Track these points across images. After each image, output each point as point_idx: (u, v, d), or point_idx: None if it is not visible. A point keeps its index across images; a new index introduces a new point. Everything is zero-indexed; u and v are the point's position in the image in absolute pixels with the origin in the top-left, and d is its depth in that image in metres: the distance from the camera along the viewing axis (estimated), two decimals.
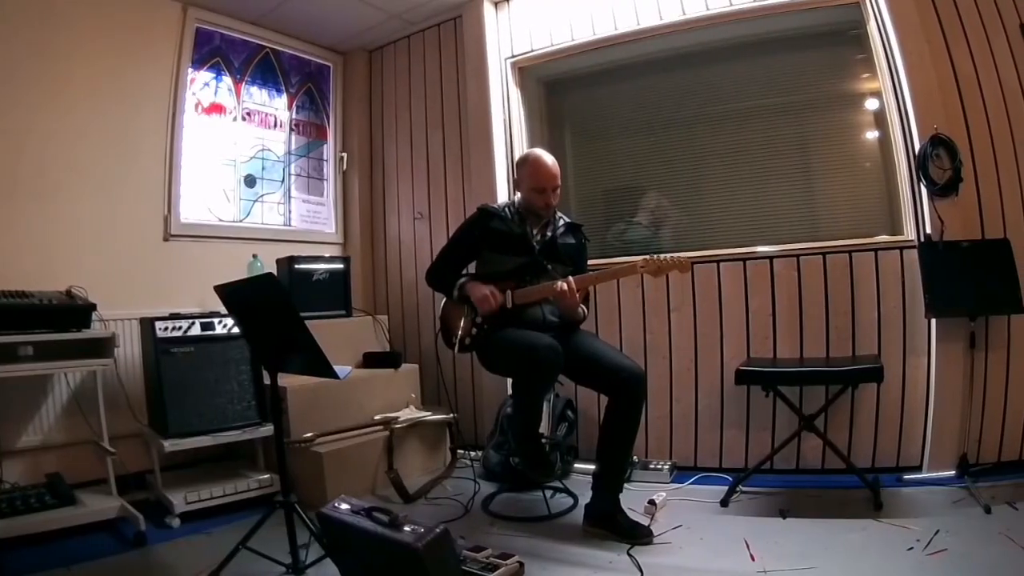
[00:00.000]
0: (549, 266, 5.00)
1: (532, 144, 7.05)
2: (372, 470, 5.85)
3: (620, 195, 7.02)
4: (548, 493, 5.45)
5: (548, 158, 5.08)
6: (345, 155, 8.26)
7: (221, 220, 7.06)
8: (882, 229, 5.77)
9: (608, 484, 4.73)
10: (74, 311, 5.07)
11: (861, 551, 4.12)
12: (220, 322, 5.66)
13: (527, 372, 4.57)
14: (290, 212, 7.80)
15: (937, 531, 4.25)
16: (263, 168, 7.51)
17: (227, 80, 7.18)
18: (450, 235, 5.53)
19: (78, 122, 5.87)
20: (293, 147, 7.86)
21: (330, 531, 3.72)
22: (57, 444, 5.44)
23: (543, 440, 5.09)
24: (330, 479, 5.41)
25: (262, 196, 7.50)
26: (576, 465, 6.16)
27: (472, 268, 5.31)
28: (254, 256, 6.67)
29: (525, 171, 5.09)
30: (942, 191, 5.28)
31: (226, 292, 4.16)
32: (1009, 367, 5.32)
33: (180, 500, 5.11)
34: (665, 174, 6.70)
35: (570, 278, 4.75)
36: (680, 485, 5.67)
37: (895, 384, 5.51)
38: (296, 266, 6.60)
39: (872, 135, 6.00)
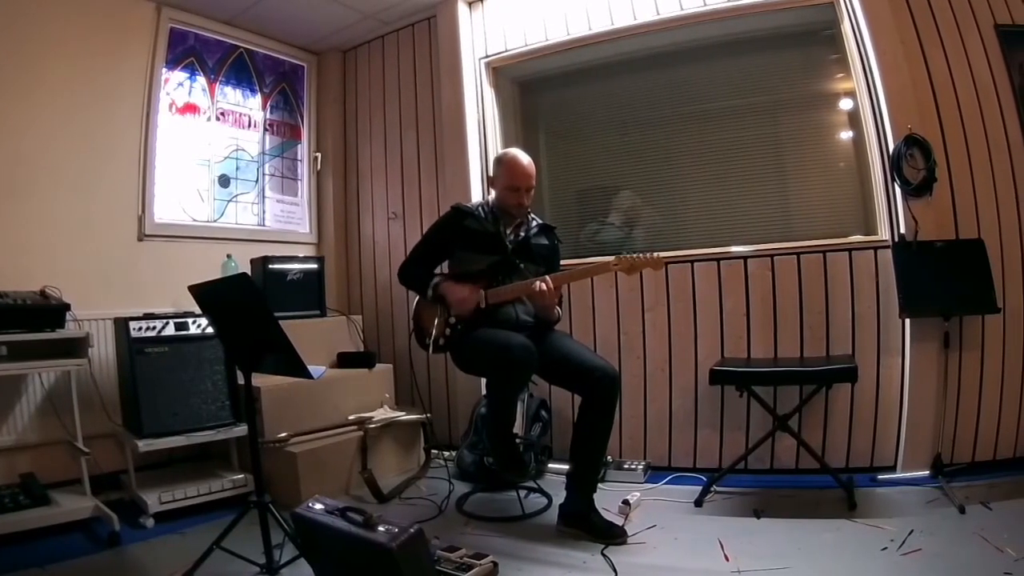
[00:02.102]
0: (522, 265, 5.04)
1: (506, 144, 7.08)
2: (346, 470, 5.88)
3: (594, 195, 7.05)
4: (522, 493, 5.48)
5: (524, 158, 5.13)
6: (319, 155, 8.28)
7: (195, 220, 7.07)
8: (856, 229, 5.82)
9: (582, 484, 4.76)
10: (48, 311, 5.09)
11: (835, 551, 4.16)
12: (194, 322, 5.67)
13: (501, 372, 4.60)
14: (264, 212, 7.82)
15: (911, 531, 4.29)
16: (237, 168, 7.54)
17: (201, 80, 7.19)
18: (424, 233, 5.54)
19: (52, 122, 5.89)
20: (267, 147, 7.88)
21: (304, 531, 3.73)
22: (31, 444, 5.46)
23: (517, 440, 5.13)
24: (304, 479, 5.44)
25: (236, 196, 7.52)
26: (550, 465, 6.20)
27: (445, 267, 5.35)
28: (228, 256, 6.69)
29: (501, 169, 5.13)
30: (916, 191, 5.34)
31: (200, 292, 4.18)
32: (983, 367, 5.39)
33: (154, 500, 5.13)
34: (639, 174, 6.74)
35: (547, 277, 4.79)
36: (654, 485, 5.71)
37: (869, 384, 5.57)
38: (270, 266, 6.62)
39: (846, 135, 6.04)
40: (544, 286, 4.73)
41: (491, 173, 5.29)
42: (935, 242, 5.26)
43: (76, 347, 5.17)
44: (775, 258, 5.84)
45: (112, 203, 6.29)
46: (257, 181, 7.75)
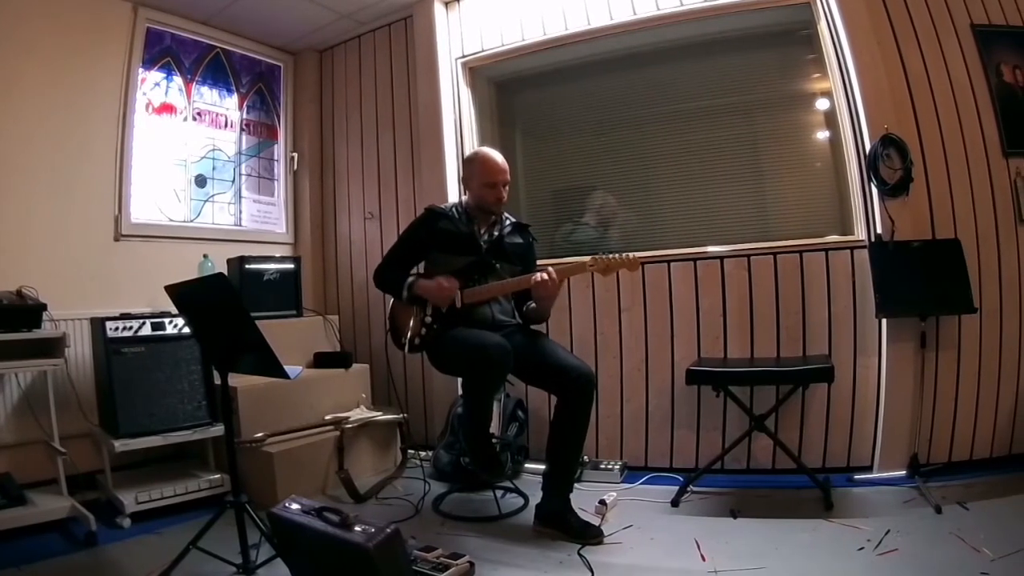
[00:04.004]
0: (498, 265, 5.08)
1: (483, 144, 7.05)
2: (323, 470, 5.90)
3: (570, 195, 7.10)
4: (499, 493, 5.51)
5: (496, 153, 5.19)
6: (296, 155, 8.32)
7: (172, 220, 7.09)
8: (833, 229, 5.87)
9: (558, 484, 4.80)
10: (24, 311, 5.12)
11: (811, 551, 4.19)
12: (171, 322, 5.68)
13: (477, 371, 4.62)
14: (241, 212, 7.85)
15: (888, 531, 4.33)
16: (214, 168, 7.57)
17: (178, 80, 7.22)
18: (398, 236, 5.56)
19: (28, 122, 5.91)
20: (244, 147, 7.92)
21: (281, 531, 3.76)
22: (7, 444, 5.47)
23: (493, 440, 5.15)
24: (280, 479, 5.46)
25: (213, 196, 7.55)
26: (527, 465, 6.25)
27: (420, 269, 5.37)
28: (205, 256, 6.71)
29: (475, 168, 5.18)
30: (893, 191, 5.39)
31: (177, 292, 4.20)
32: (959, 367, 5.45)
33: (131, 500, 5.14)
34: (615, 174, 6.78)
35: (549, 268, 4.80)
36: (631, 485, 5.75)
37: (846, 384, 5.61)
38: (247, 266, 6.64)
39: (823, 135, 6.10)
40: (545, 276, 4.75)
41: (463, 174, 5.33)
42: (912, 242, 5.31)
43: (53, 347, 5.19)
44: (752, 258, 5.88)
45: (89, 203, 6.30)
46: (233, 181, 7.78)
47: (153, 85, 6.98)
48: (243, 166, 7.89)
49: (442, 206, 5.35)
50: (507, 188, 5.17)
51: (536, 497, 4.94)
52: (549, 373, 4.82)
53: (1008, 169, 5.45)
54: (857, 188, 5.68)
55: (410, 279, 5.10)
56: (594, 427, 6.01)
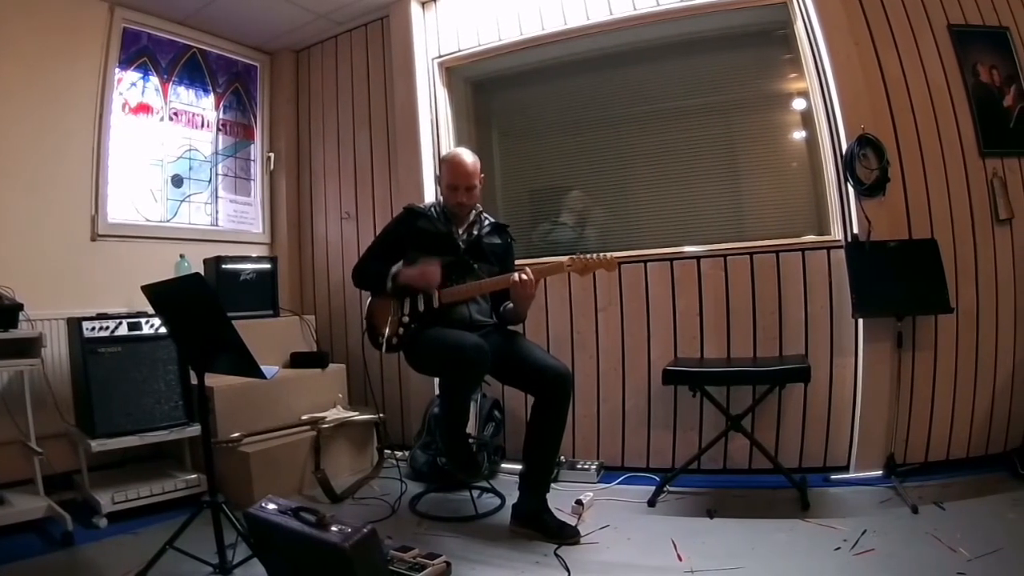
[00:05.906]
0: (476, 265, 5.09)
1: (459, 144, 7.08)
2: (299, 470, 5.92)
3: (547, 195, 7.13)
4: (475, 493, 5.54)
5: (467, 157, 5.19)
6: (272, 155, 8.33)
7: (148, 220, 7.10)
8: (809, 229, 5.92)
9: (535, 484, 4.83)
10: (1, 311, 5.11)
11: (788, 551, 4.22)
12: (147, 322, 5.69)
13: (454, 371, 4.64)
14: (217, 212, 7.86)
15: (864, 531, 4.37)
16: (190, 168, 7.58)
17: (154, 80, 7.23)
18: (377, 234, 5.59)
19: (4, 122, 5.91)
20: (220, 147, 7.93)
21: (257, 531, 3.78)
22: None
23: (470, 440, 5.17)
24: (257, 479, 5.48)
25: (189, 196, 7.56)
26: (503, 465, 6.28)
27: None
28: (181, 256, 6.75)
29: (444, 169, 5.21)
30: (869, 191, 5.44)
31: (153, 292, 4.21)
32: (936, 367, 5.50)
33: (107, 500, 5.15)
34: (592, 174, 6.82)
35: (526, 268, 4.84)
36: (607, 485, 5.78)
37: (822, 384, 5.66)
38: (223, 266, 6.65)
39: (799, 135, 6.14)
40: (524, 276, 4.78)
41: (437, 173, 5.34)
42: (888, 242, 5.35)
43: (29, 347, 5.19)
44: (728, 258, 5.91)
45: (65, 203, 6.31)
46: (210, 181, 7.80)
47: (130, 85, 6.99)
48: (220, 166, 7.90)
49: (421, 205, 5.37)
50: (472, 193, 5.18)
51: (513, 497, 4.97)
52: (526, 373, 4.85)
53: (984, 169, 5.51)
54: (834, 188, 5.72)
55: (394, 269, 5.10)
56: (571, 427, 5.98)
